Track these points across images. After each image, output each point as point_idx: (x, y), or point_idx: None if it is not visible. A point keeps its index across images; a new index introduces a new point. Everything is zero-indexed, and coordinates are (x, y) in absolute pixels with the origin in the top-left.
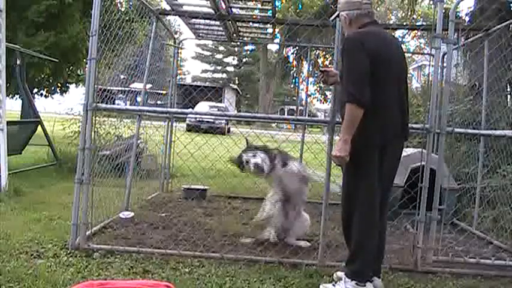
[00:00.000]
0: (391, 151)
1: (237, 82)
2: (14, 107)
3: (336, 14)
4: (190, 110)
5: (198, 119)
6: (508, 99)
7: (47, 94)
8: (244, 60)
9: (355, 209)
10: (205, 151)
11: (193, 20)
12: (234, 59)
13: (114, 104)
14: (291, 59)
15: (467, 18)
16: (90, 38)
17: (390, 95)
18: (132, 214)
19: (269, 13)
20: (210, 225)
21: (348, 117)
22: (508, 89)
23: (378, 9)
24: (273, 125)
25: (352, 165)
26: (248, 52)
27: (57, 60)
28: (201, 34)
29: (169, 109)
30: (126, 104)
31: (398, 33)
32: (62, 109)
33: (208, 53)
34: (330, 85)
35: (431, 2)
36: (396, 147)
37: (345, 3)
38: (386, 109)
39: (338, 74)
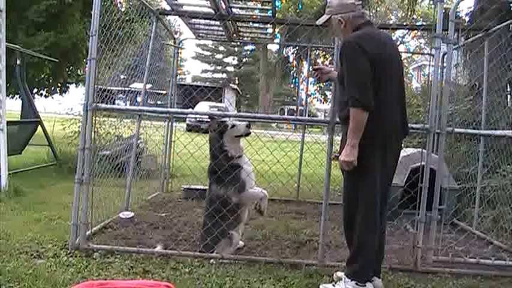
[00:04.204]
0: (392, 150)
1: (237, 82)
2: (14, 107)
3: (323, 18)
4: (190, 110)
5: (198, 119)
6: (508, 99)
7: (47, 94)
8: (244, 60)
9: (357, 209)
10: (205, 151)
11: (193, 20)
12: (234, 59)
13: (114, 104)
14: (291, 59)
15: (467, 18)
16: (90, 38)
17: (390, 94)
18: (132, 214)
19: (269, 13)
20: None
21: (353, 121)
22: (508, 89)
23: (378, 9)
24: (273, 125)
25: (354, 168)
26: (248, 52)
27: (57, 60)
28: (201, 34)
29: (169, 109)
30: (126, 104)
31: (398, 33)
32: (62, 109)
33: (208, 53)
34: (325, 82)
35: (431, 2)
36: (396, 146)
37: (339, 6)
38: (387, 108)
39: (333, 71)
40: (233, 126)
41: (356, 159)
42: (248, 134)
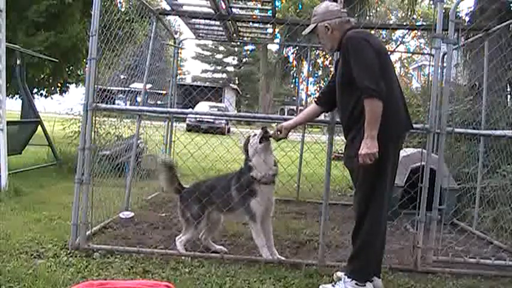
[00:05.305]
0: (399, 148)
1: (237, 82)
2: (14, 107)
3: (309, 27)
4: (190, 110)
5: (198, 119)
6: (508, 99)
7: (47, 94)
8: (244, 60)
9: (369, 209)
10: (205, 151)
11: (193, 20)
12: (234, 59)
13: (114, 104)
14: (291, 59)
15: (467, 18)
16: (90, 38)
17: (396, 90)
18: (132, 214)
19: (269, 13)
20: None
21: (370, 112)
22: (508, 89)
23: (378, 9)
24: (273, 125)
25: (372, 163)
26: (248, 52)
27: (57, 60)
28: (201, 34)
29: (169, 109)
30: (126, 104)
31: (398, 33)
32: (62, 109)
33: (208, 53)
34: (283, 138)
35: (431, 2)
36: (401, 143)
37: (324, 14)
38: (396, 104)
39: (287, 124)
40: (249, 137)
41: (378, 150)
42: (266, 138)
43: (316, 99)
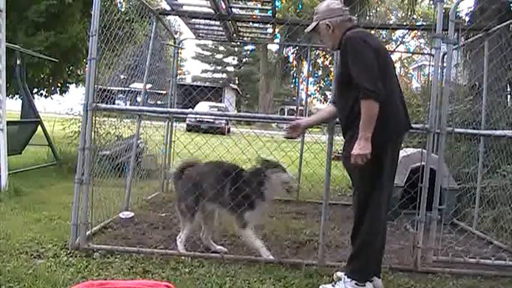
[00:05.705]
0: (397, 147)
1: (237, 82)
2: (14, 107)
3: (311, 25)
4: (190, 110)
5: (198, 119)
6: (508, 99)
7: (47, 94)
8: (244, 60)
9: (368, 209)
10: (205, 151)
11: (193, 20)
12: (234, 59)
13: (114, 104)
14: (291, 59)
15: (467, 18)
16: (90, 38)
17: (396, 90)
18: (132, 214)
19: (269, 13)
20: None
21: (366, 114)
22: (508, 89)
23: (378, 9)
24: (273, 125)
25: (369, 163)
26: (248, 52)
27: (57, 60)
28: (201, 34)
29: (169, 109)
30: (126, 104)
31: (398, 33)
32: (62, 109)
33: (208, 53)
34: (299, 135)
35: (431, 2)
36: (401, 142)
37: (326, 12)
38: (394, 104)
39: (304, 122)
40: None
41: (370, 151)
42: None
43: (332, 101)
